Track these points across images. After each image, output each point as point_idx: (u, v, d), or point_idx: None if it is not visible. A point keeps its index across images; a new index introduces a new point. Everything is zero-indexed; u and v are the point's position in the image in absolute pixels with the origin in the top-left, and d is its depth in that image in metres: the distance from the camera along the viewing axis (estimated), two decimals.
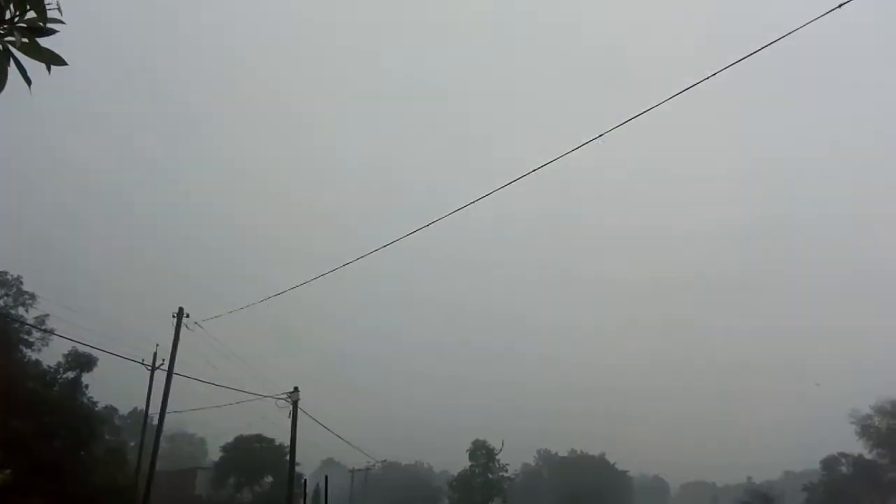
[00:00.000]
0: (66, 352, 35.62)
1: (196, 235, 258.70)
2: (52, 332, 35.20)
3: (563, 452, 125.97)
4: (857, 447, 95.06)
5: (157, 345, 36.81)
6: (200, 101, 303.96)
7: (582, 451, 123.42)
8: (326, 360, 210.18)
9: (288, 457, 37.04)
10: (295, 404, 32.29)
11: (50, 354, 37.83)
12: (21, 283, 38.66)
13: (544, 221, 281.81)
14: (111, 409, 50.86)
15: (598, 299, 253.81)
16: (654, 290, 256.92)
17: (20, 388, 32.02)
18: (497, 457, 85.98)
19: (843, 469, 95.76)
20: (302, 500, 34.59)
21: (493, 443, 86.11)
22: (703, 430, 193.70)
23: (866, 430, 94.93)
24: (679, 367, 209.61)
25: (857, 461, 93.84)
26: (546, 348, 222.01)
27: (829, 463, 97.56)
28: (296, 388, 32.75)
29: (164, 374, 27.74)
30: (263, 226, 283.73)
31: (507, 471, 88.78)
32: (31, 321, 36.37)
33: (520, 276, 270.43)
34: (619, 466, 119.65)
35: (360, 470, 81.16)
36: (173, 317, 28.53)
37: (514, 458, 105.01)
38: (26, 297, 38.62)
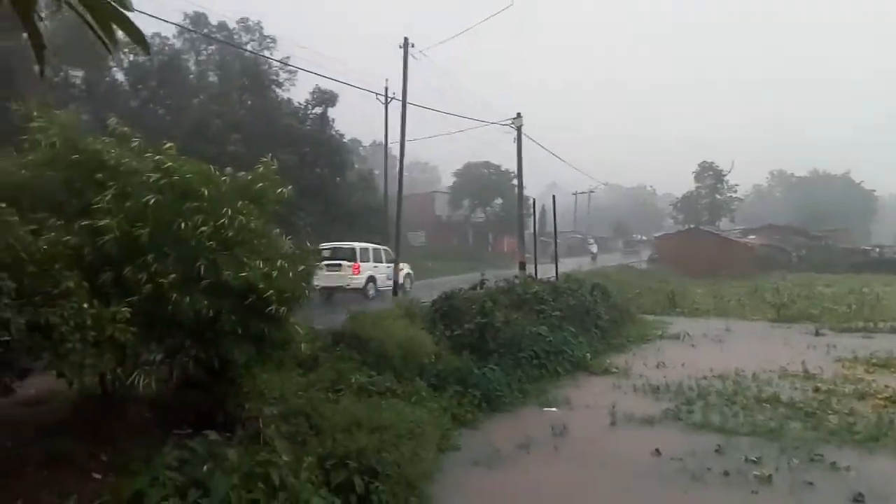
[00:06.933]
0: (311, 90, 38.70)
1: None
2: (299, 69, 38.07)
3: (800, 173, 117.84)
4: None
5: (387, 79, 38.80)
6: None
7: (823, 171, 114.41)
8: (549, 90, 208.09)
9: (515, 181, 39.03)
10: (519, 129, 32.98)
11: (297, 94, 41.54)
12: (262, 28, 41.51)
13: None
14: (355, 142, 55.98)
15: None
16: None
17: (279, 124, 36.23)
18: (725, 178, 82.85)
19: None
20: (532, 219, 36.88)
21: (722, 166, 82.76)
22: None
23: None
24: None
25: None
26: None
27: None
28: (518, 114, 33.26)
29: (397, 106, 29.34)
30: None
31: (735, 192, 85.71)
32: (277, 63, 39.59)
33: None
34: (866, 186, 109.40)
35: (582, 193, 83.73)
36: (400, 47, 29.41)
37: (745, 179, 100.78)
38: (268, 40, 41.66)
